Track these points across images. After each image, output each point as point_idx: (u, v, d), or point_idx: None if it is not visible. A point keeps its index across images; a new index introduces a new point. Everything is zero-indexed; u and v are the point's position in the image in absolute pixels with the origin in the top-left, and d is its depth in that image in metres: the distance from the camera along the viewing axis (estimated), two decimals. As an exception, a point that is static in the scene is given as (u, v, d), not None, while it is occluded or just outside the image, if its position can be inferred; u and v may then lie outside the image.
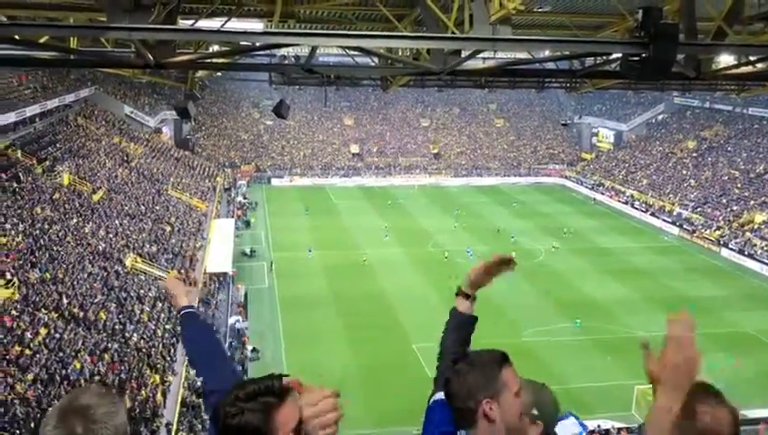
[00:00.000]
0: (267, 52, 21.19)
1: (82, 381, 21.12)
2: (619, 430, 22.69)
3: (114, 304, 27.61)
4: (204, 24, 11.36)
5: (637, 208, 60.75)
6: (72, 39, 15.14)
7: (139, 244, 35.60)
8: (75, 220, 33.48)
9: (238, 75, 65.28)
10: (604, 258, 45.67)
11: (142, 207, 41.57)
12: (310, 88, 60.27)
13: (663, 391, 1.82)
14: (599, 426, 22.79)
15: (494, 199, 64.94)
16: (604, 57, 10.95)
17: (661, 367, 1.84)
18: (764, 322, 34.31)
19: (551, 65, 22.66)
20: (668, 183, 63.09)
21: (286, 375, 1.78)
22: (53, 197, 34.47)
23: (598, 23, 15.40)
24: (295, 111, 66.04)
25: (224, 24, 10.88)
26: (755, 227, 49.33)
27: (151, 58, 8.74)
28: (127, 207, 40.07)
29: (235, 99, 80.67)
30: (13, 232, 27.82)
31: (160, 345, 26.43)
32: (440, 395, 2.37)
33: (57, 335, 22.87)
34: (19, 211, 30.13)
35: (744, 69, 12.03)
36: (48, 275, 26.55)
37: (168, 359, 25.91)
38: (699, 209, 55.59)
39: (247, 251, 44.02)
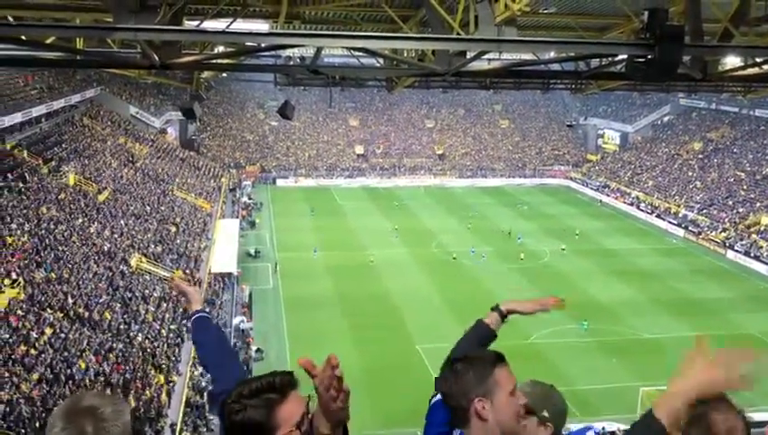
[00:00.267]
0: (272, 53, 21.25)
1: (87, 381, 21.18)
2: (625, 432, 22.63)
3: (119, 304, 27.67)
4: (209, 24, 11.38)
5: (642, 210, 60.55)
6: (78, 40, 15.22)
7: (145, 244, 35.68)
8: (81, 220, 33.59)
9: (243, 76, 65.30)
10: (610, 260, 45.54)
11: (147, 208, 41.67)
12: (315, 89, 60.28)
13: (687, 388, 1.76)
14: (603, 428, 22.71)
15: (498, 200, 64.83)
16: (610, 58, 10.93)
17: (705, 372, 1.77)
18: (770, 324, 34.17)
19: (556, 66, 22.67)
20: (674, 185, 62.89)
21: (289, 373, 1.79)
22: (59, 197, 34.59)
23: (603, 24, 15.38)
24: (300, 112, 65.99)
25: (229, 25, 10.90)
26: (761, 228, 49.10)
27: (157, 59, 8.76)
28: (132, 208, 40.17)
29: (240, 99, 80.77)
30: (18, 232, 27.92)
31: (165, 345, 26.47)
32: (440, 395, 2.40)
33: (62, 335, 22.94)
34: (25, 211, 30.24)
35: (750, 70, 11.99)
36: (53, 274, 26.64)
37: (173, 359, 25.95)
38: (705, 211, 55.38)
39: (252, 251, 44.04)
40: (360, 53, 15.79)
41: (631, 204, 62.68)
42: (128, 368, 23.19)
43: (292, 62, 29.77)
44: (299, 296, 36.39)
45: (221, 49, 16.19)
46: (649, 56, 7.22)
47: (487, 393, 2.07)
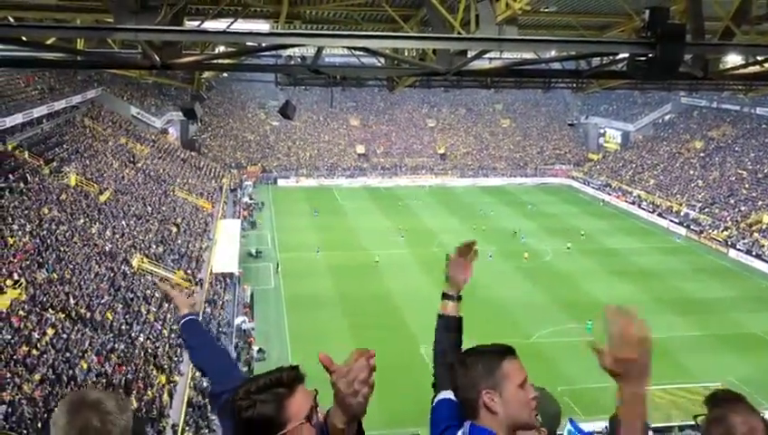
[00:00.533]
0: (273, 52, 21.25)
1: (89, 381, 21.20)
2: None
3: (121, 305, 27.70)
4: (210, 25, 11.39)
5: (644, 209, 60.53)
6: (78, 40, 15.21)
7: (146, 244, 35.70)
8: (82, 221, 33.61)
9: (244, 76, 65.28)
10: (612, 259, 45.51)
11: (149, 208, 41.70)
12: (316, 89, 60.16)
13: (628, 381, 1.80)
14: (605, 427, 22.68)
15: (500, 200, 64.80)
16: (611, 57, 10.91)
17: (616, 362, 1.83)
18: (772, 323, 34.12)
19: (557, 65, 22.65)
20: (676, 183, 62.83)
21: (295, 367, 1.80)
22: (60, 197, 34.62)
23: (604, 23, 15.35)
24: (301, 112, 65.97)
25: (230, 25, 10.90)
26: (763, 227, 49.06)
27: (158, 59, 8.75)
28: (133, 208, 40.20)
29: (241, 100, 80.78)
30: (20, 232, 27.96)
31: (167, 346, 26.50)
32: (442, 395, 2.41)
33: (64, 336, 22.96)
34: (26, 212, 30.28)
35: (751, 69, 11.98)
36: (55, 275, 26.67)
37: (175, 359, 25.96)
38: (707, 210, 55.33)
39: (253, 252, 44.04)
40: (361, 53, 15.79)
41: (633, 203, 62.64)
42: (129, 368, 23.21)
43: (292, 62, 29.72)
44: (300, 296, 36.39)
45: (222, 49, 16.20)
46: (650, 55, 7.21)
47: (496, 386, 2.09)
